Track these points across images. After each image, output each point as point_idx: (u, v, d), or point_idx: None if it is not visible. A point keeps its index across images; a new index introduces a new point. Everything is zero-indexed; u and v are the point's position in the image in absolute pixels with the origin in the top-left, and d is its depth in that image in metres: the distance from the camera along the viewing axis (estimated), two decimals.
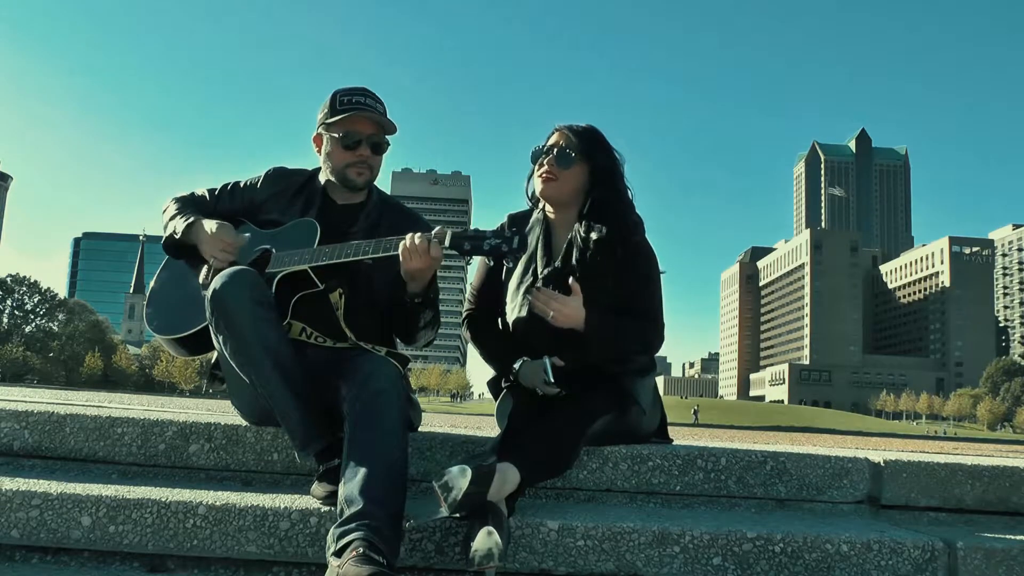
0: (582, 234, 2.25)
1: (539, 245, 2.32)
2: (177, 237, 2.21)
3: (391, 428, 1.79)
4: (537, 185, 2.32)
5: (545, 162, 2.28)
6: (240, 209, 2.31)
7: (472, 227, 1.95)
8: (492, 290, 2.37)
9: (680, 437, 2.66)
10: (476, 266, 2.41)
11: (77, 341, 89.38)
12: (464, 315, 2.45)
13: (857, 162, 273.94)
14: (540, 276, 2.27)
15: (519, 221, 2.39)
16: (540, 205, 2.38)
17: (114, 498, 1.78)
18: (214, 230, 2.16)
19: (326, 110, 2.23)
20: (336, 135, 2.21)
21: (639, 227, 2.29)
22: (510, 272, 2.33)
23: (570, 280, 2.12)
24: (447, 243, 1.94)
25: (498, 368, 2.33)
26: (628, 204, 2.31)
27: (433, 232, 1.98)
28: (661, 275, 2.30)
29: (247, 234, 2.21)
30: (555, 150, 2.27)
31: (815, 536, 1.89)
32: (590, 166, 2.28)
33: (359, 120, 2.20)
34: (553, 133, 2.33)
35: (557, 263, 2.27)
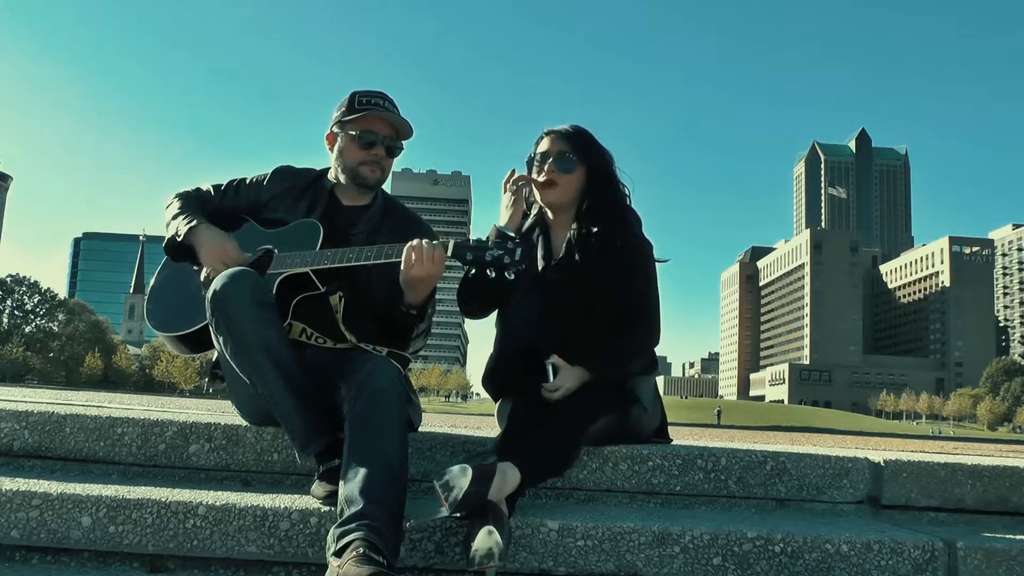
0: (581, 233, 2.25)
1: (538, 246, 2.33)
2: (179, 240, 2.19)
3: (391, 428, 1.79)
4: (537, 192, 2.31)
5: (546, 168, 2.28)
6: (244, 206, 2.30)
7: (475, 237, 1.97)
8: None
9: (681, 437, 2.66)
10: None
11: (77, 341, 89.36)
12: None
13: (857, 162, 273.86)
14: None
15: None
16: (535, 209, 2.38)
17: (114, 498, 1.78)
18: (219, 242, 2.13)
19: (343, 108, 2.24)
20: (352, 133, 2.22)
21: (636, 224, 2.31)
22: None
23: (553, 358, 2.11)
24: (449, 252, 1.96)
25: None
26: (625, 203, 2.33)
27: (436, 241, 1.99)
28: (660, 264, 2.30)
29: (248, 254, 2.18)
30: (555, 155, 2.27)
31: (815, 536, 1.89)
32: (587, 168, 2.29)
33: (376, 120, 2.22)
34: (543, 138, 2.32)
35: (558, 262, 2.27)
